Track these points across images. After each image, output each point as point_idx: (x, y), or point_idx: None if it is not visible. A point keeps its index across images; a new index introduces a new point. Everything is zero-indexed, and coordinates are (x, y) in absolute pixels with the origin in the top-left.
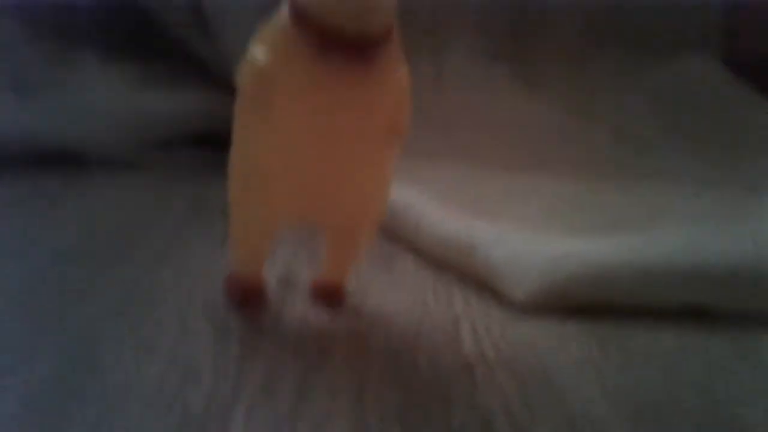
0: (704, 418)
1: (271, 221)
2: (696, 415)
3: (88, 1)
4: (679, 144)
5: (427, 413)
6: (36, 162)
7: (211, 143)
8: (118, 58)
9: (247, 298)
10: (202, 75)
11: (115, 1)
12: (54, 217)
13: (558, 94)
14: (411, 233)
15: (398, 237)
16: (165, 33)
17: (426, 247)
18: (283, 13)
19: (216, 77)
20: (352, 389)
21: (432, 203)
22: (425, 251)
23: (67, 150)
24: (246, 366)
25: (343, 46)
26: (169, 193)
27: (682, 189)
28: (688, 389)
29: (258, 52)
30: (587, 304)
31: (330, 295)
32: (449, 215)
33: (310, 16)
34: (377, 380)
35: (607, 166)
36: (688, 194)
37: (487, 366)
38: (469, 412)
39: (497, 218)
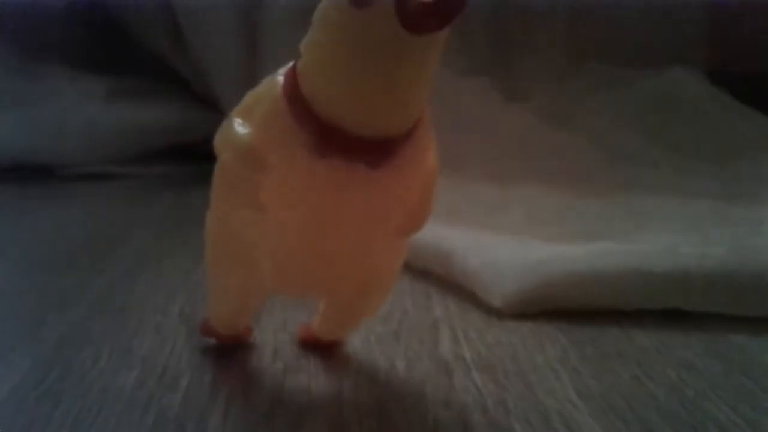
0: (674, 414)
1: (253, 295)
2: (666, 411)
3: (57, 13)
4: (662, 154)
5: (404, 410)
6: (11, 174)
7: (187, 155)
8: (90, 71)
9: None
10: (177, 88)
11: (86, 13)
12: (31, 227)
13: (539, 105)
14: None
15: None
16: (139, 46)
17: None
18: (278, 82)
19: (192, 90)
20: (329, 388)
21: None
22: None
23: (40, 163)
24: (222, 369)
25: (350, 149)
26: (146, 204)
27: (663, 198)
28: (660, 386)
29: (244, 127)
30: (563, 307)
31: (320, 349)
32: (428, 224)
33: (312, 109)
34: (355, 379)
35: (588, 176)
36: (670, 203)
37: (464, 367)
38: (445, 410)
39: (477, 227)
